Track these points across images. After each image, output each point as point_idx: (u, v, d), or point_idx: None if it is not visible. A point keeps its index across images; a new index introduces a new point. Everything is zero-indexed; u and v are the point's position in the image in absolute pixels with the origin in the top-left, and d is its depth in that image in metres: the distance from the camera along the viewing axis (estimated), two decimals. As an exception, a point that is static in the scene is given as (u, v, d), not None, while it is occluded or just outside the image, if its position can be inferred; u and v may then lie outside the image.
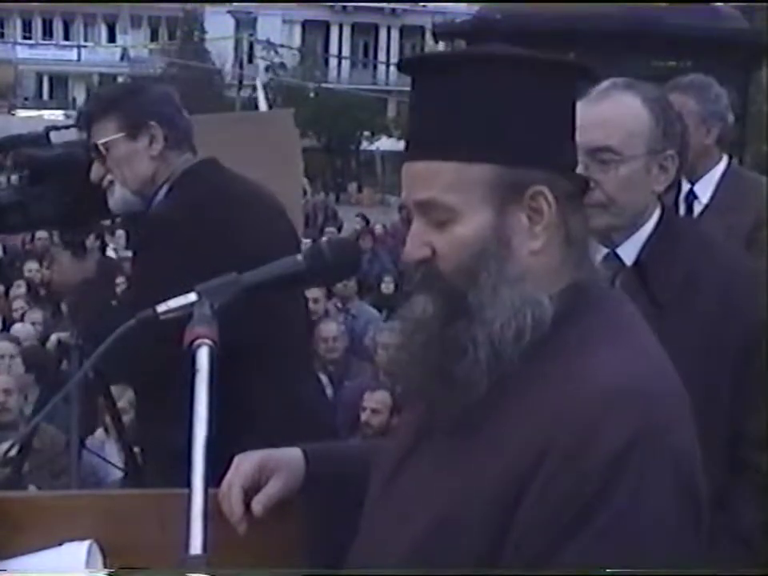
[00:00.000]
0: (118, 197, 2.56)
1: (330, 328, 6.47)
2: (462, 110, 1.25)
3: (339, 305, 7.89)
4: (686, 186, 3.54)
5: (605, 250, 2.01)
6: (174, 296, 1.44)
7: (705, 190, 3.52)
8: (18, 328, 6.66)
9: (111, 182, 2.57)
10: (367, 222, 14.98)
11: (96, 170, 2.58)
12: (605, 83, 2.00)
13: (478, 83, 1.25)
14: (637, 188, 1.99)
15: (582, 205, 1.33)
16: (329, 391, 5.75)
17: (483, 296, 1.24)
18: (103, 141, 2.52)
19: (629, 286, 1.86)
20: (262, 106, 11.31)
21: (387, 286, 8.83)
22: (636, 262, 2.01)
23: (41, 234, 9.46)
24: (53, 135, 2.77)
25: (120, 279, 7.43)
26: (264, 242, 2.31)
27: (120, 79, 46.28)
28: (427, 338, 1.27)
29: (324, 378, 5.81)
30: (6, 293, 8.31)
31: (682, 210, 3.53)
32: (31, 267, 8.91)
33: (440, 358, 1.25)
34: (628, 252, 2.02)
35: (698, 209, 3.52)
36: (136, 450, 3.00)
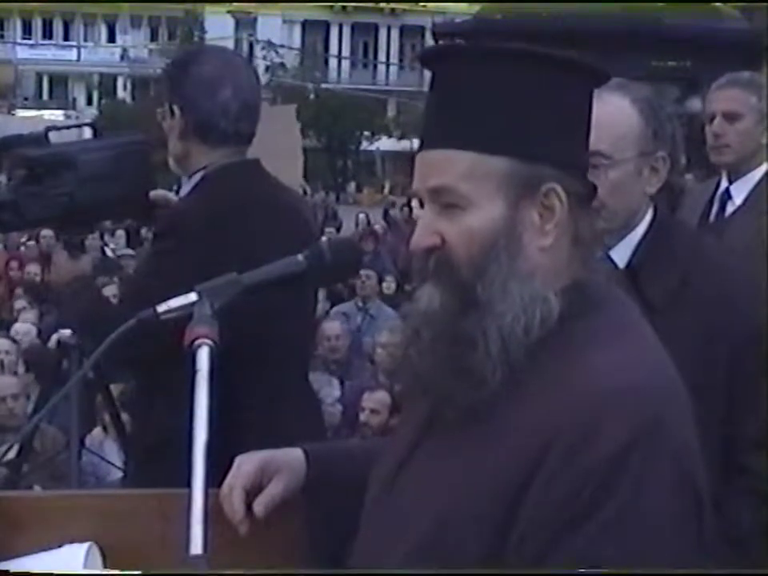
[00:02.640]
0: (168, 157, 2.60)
1: (332, 327, 6.47)
2: (482, 102, 1.26)
3: (360, 304, 7.90)
4: (723, 184, 3.50)
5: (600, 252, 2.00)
6: (176, 296, 1.44)
7: (740, 191, 3.46)
8: (17, 327, 6.67)
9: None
10: (368, 221, 15.00)
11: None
12: None
13: (503, 77, 1.26)
14: (628, 191, 1.98)
15: (591, 208, 1.33)
16: (336, 392, 5.76)
17: (493, 289, 1.24)
18: (160, 109, 2.56)
19: (621, 288, 1.85)
20: None
21: (389, 286, 8.83)
22: (629, 265, 2.00)
23: (45, 233, 9.42)
24: (52, 135, 2.77)
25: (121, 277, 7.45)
26: (282, 254, 2.28)
27: (120, 80, 46.56)
28: (436, 332, 1.27)
29: (327, 378, 5.81)
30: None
31: (715, 209, 3.50)
32: (30, 270, 8.90)
33: (451, 352, 1.25)
34: (621, 254, 2.01)
35: (730, 209, 3.47)
36: (135, 448, 3.00)
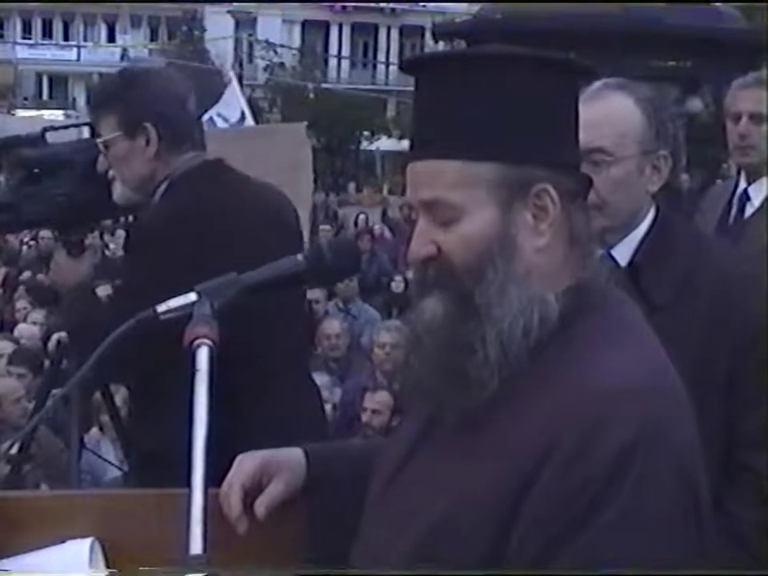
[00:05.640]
0: (120, 193, 2.55)
1: (332, 326, 6.49)
2: (465, 108, 1.26)
3: (340, 305, 7.88)
4: (741, 186, 3.49)
5: (599, 252, 2.00)
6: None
7: (759, 192, 3.44)
8: (21, 328, 6.63)
9: (114, 177, 2.56)
10: (367, 222, 15.03)
11: (101, 163, 2.58)
12: (597, 84, 1.99)
13: (481, 82, 1.26)
14: (630, 189, 1.99)
15: (585, 203, 1.33)
16: (330, 392, 5.74)
17: (490, 294, 1.24)
18: (102, 139, 2.51)
19: (623, 287, 1.85)
20: (243, 105, 11.03)
21: (398, 285, 8.82)
22: (630, 263, 2.01)
23: (44, 233, 9.41)
24: (50, 135, 2.77)
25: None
26: (256, 250, 2.27)
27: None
28: (436, 340, 1.27)
29: (326, 378, 5.81)
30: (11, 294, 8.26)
31: (733, 211, 3.49)
32: (32, 270, 8.86)
33: (450, 358, 1.25)
34: (622, 253, 2.02)
35: (749, 211, 3.46)
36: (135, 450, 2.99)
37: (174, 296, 1.45)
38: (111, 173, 2.56)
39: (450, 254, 1.27)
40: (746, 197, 3.48)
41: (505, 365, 1.23)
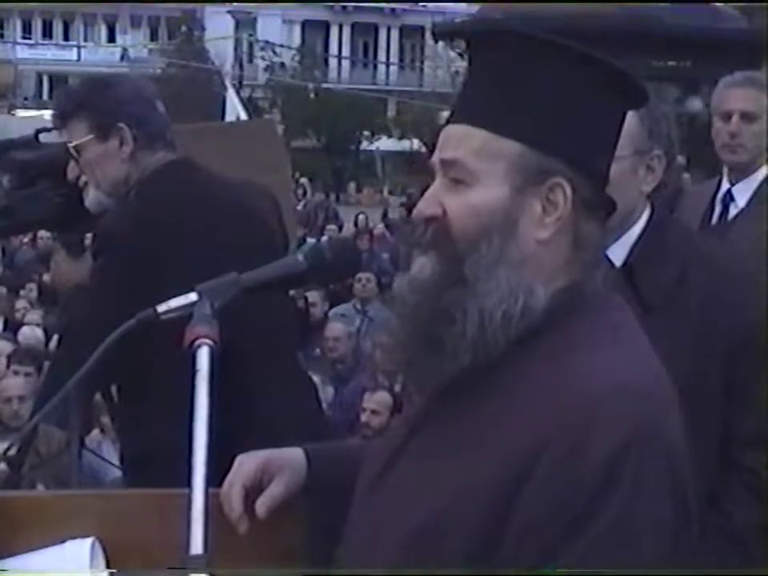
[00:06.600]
0: (93, 198, 2.54)
1: (333, 328, 6.53)
2: (512, 85, 1.27)
3: (358, 306, 7.81)
4: (724, 186, 3.48)
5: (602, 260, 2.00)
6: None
7: (743, 193, 3.43)
8: (24, 331, 6.63)
9: (86, 183, 2.55)
10: (367, 222, 15.06)
11: (71, 170, 2.57)
12: None
13: (535, 66, 1.27)
14: (624, 189, 1.98)
15: (599, 220, 1.33)
16: (330, 390, 5.75)
17: (480, 267, 1.25)
18: (74, 143, 2.51)
19: (618, 287, 1.85)
20: (240, 112, 10.95)
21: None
22: (625, 263, 2.01)
23: (43, 233, 9.42)
24: (43, 136, 2.76)
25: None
26: (226, 247, 2.27)
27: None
28: (420, 300, 1.28)
29: (317, 379, 5.80)
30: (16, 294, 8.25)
31: (717, 211, 3.49)
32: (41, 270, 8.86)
33: (429, 323, 1.26)
34: (617, 253, 2.01)
35: (733, 212, 3.46)
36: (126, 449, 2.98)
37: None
38: (83, 179, 2.55)
39: (453, 217, 1.28)
40: (729, 197, 3.47)
41: (481, 344, 1.24)
